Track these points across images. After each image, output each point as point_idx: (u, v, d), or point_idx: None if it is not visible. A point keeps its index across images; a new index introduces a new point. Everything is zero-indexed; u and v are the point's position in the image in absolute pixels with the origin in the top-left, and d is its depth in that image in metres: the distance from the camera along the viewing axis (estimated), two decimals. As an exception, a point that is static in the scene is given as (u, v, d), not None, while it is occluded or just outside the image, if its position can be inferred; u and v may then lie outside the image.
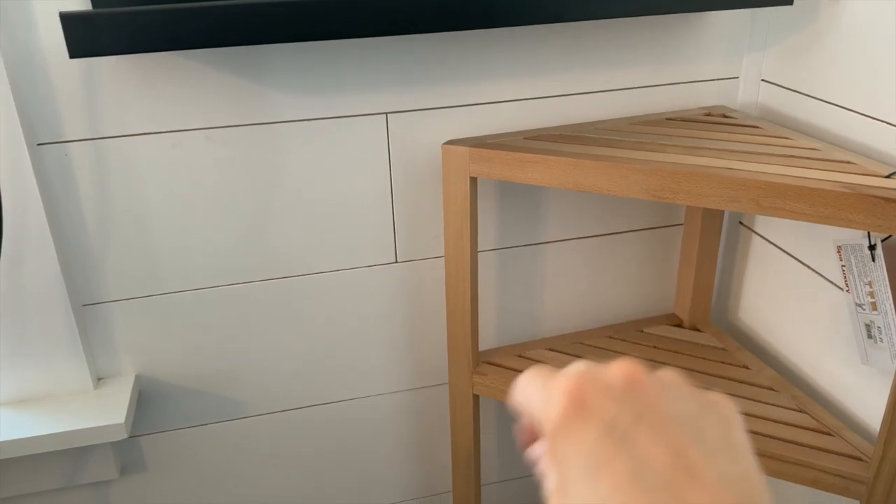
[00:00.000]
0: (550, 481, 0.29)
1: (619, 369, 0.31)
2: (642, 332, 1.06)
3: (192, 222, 0.89)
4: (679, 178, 0.75)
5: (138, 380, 0.96)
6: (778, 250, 0.98)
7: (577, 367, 0.31)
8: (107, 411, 0.89)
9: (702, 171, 0.74)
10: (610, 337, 1.05)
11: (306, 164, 0.90)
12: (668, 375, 0.31)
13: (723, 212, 1.02)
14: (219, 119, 0.85)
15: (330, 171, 0.91)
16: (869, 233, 0.77)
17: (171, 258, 0.91)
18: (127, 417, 0.88)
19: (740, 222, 1.05)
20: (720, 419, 0.30)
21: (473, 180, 0.86)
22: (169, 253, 0.90)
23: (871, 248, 0.76)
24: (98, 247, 0.88)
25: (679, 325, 1.08)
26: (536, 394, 0.31)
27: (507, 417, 1.15)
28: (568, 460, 0.28)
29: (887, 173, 0.72)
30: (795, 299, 0.96)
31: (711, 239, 1.03)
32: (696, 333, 1.05)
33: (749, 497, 0.27)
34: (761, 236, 1.01)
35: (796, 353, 0.97)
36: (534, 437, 0.34)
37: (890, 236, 0.76)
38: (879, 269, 0.75)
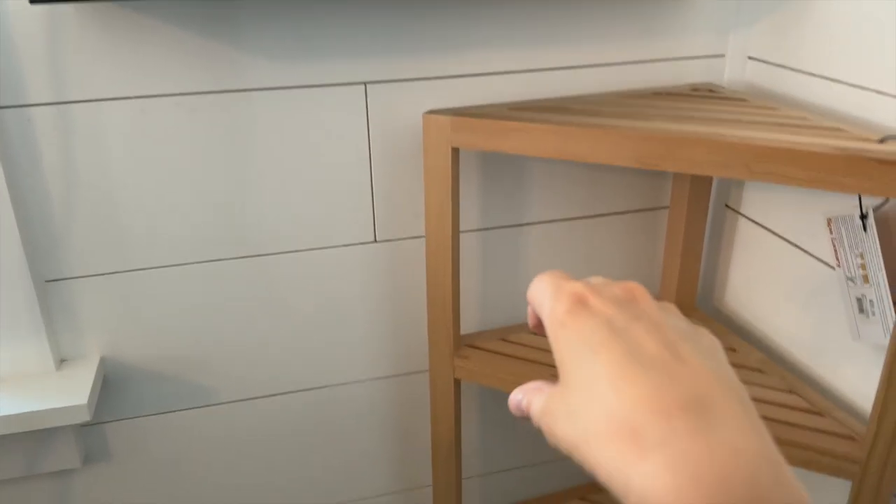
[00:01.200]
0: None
1: (624, 285, 0.34)
2: (627, 316, 1.03)
3: (162, 194, 0.86)
4: (669, 143, 0.72)
5: (103, 362, 0.91)
6: (765, 231, 0.96)
7: (588, 279, 0.35)
8: (69, 392, 0.85)
9: (692, 136, 0.72)
10: (594, 321, 1.02)
11: (281, 135, 0.86)
12: (667, 303, 0.35)
13: (709, 194, 1.00)
14: (190, 85, 0.82)
15: (306, 144, 0.88)
16: (860, 202, 0.75)
17: (139, 232, 0.87)
18: (90, 399, 0.84)
19: (726, 205, 1.03)
20: (709, 340, 0.33)
21: (455, 151, 0.83)
22: (137, 227, 0.86)
23: (863, 217, 0.74)
24: (62, 219, 0.84)
25: (665, 310, 1.05)
26: (548, 290, 0.34)
27: (491, 408, 1.11)
28: (569, 342, 0.32)
29: (879, 138, 0.70)
30: (783, 280, 0.94)
31: (697, 222, 1.01)
32: (682, 318, 1.03)
33: (731, 388, 0.30)
34: (748, 218, 0.99)
35: (784, 336, 0.95)
36: (541, 326, 0.36)
37: (882, 205, 0.74)
38: (871, 240, 0.73)
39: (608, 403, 0.29)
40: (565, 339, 0.32)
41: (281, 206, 0.90)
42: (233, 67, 0.82)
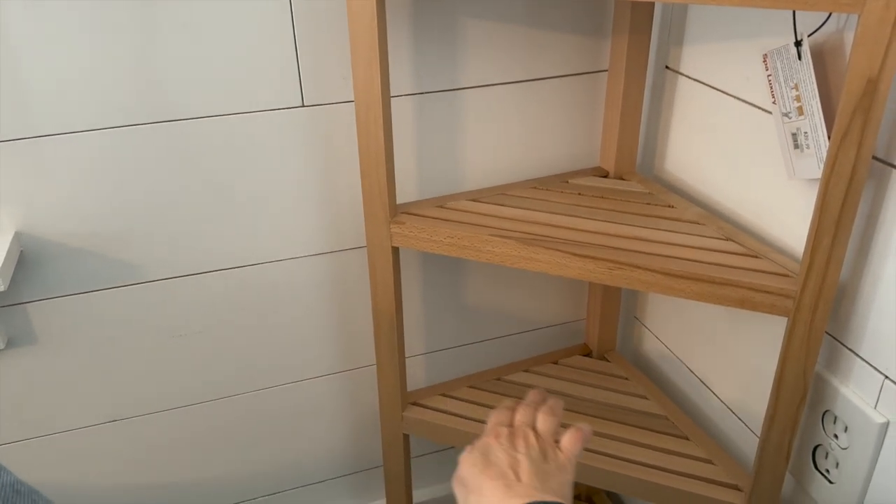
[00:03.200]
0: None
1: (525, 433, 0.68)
2: (567, 182, 1.02)
3: (67, 53, 0.80)
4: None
5: (19, 237, 0.87)
6: (704, 87, 0.94)
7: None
8: (-21, 264, 0.80)
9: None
10: (534, 188, 1.00)
11: (194, -16, 0.81)
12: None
13: (647, 55, 0.98)
14: (88, -77, 0.75)
15: (222, -6, 0.82)
16: (795, 28, 0.73)
17: (44, 95, 0.81)
18: (3, 270, 0.80)
19: (666, 66, 1.01)
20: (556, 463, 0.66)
21: (380, -6, 0.78)
22: (40, 89, 0.81)
23: (797, 44, 0.72)
24: (-43, 76, 0.78)
25: (605, 176, 1.04)
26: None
27: (431, 286, 1.10)
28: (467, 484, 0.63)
29: None
30: (721, 135, 0.92)
31: (636, 85, 0.99)
32: (621, 182, 1.01)
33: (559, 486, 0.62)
34: (687, 76, 0.97)
35: (723, 192, 0.94)
36: None
37: (816, 30, 0.73)
38: (806, 67, 0.72)
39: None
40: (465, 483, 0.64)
41: (197, 66, 0.85)
42: None
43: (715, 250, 0.83)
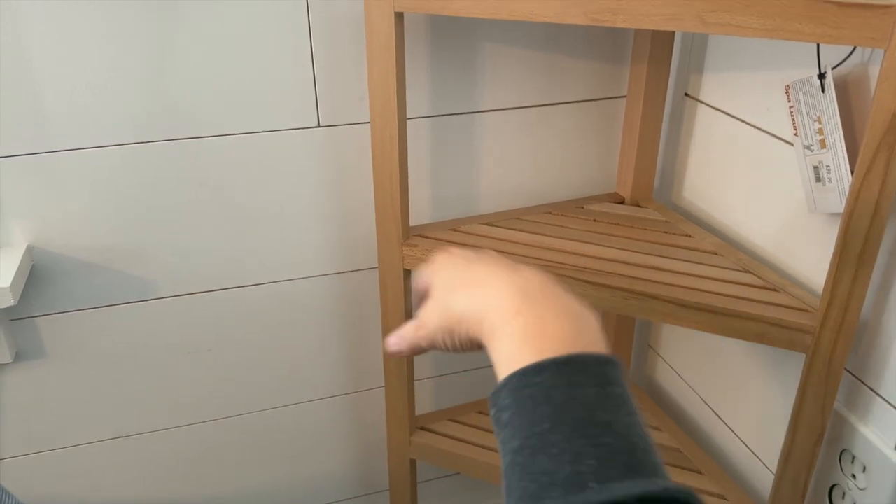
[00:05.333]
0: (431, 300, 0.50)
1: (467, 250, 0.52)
2: (583, 208, 1.01)
3: (84, 68, 0.80)
4: (619, -4, 0.68)
5: (30, 251, 0.86)
6: (724, 116, 0.93)
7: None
8: (-10, 278, 0.80)
9: (644, -12, 0.68)
10: (549, 213, 0.99)
11: (214, 3, 0.81)
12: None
13: (667, 82, 0.97)
14: (110, -59, 0.75)
15: (240, 13, 0.82)
16: (819, 60, 0.72)
17: (61, 110, 0.81)
18: (14, 283, 0.79)
19: (686, 94, 1.00)
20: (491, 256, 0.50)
21: (399, 16, 0.78)
22: (58, 103, 0.81)
23: (821, 77, 0.71)
24: (-25, 90, 0.78)
25: (621, 202, 1.03)
26: (421, 272, 0.53)
27: (443, 307, 1.08)
28: (440, 277, 0.50)
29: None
30: (741, 165, 0.91)
31: (655, 111, 0.98)
32: (637, 209, 1.00)
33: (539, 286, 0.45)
34: (707, 104, 0.96)
35: (741, 222, 0.92)
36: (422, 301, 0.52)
37: (841, 63, 0.71)
38: (829, 100, 0.71)
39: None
40: (437, 279, 0.50)
41: (214, 85, 0.85)
42: (157, -77, 0.76)
43: (733, 282, 0.82)
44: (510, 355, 0.41)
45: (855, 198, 0.66)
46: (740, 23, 0.65)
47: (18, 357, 0.92)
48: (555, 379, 0.38)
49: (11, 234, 0.85)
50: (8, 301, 0.78)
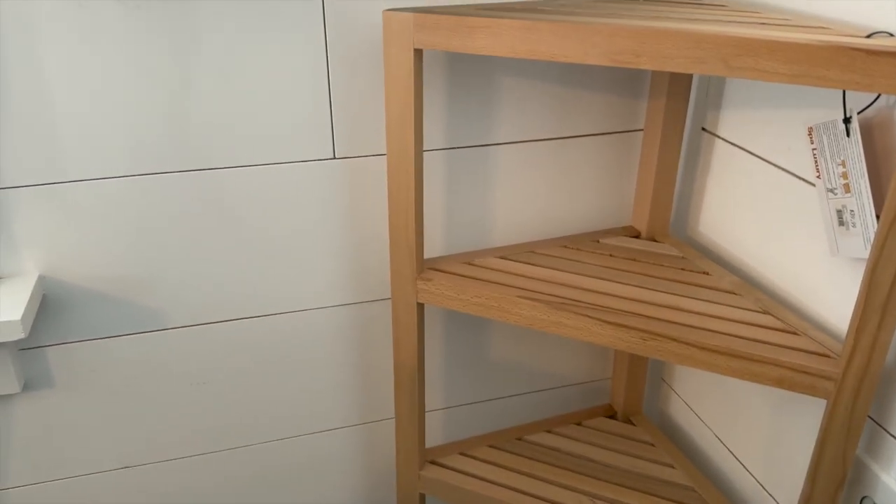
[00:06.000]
0: None
1: None
2: (598, 242, 1.00)
3: (100, 99, 0.79)
4: (642, 38, 0.68)
5: (42, 281, 0.86)
6: (742, 152, 0.92)
7: None
8: (1, 309, 0.79)
9: (667, 29, 0.67)
10: (564, 246, 0.98)
11: (232, 36, 0.80)
12: None
13: (685, 117, 0.96)
14: (130, -26, 0.75)
15: (258, 46, 0.82)
16: (844, 104, 0.71)
17: (76, 140, 0.80)
18: (25, 315, 0.78)
19: (703, 128, 0.99)
20: None
21: (418, 53, 0.78)
22: (73, 134, 0.80)
23: (846, 121, 0.70)
24: (-10, 121, 0.77)
25: (637, 236, 1.02)
26: None
27: (455, 341, 1.07)
28: None
29: (866, 34, 0.66)
30: (759, 202, 0.90)
31: (672, 146, 0.97)
32: (654, 244, 0.99)
33: None
34: (725, 140, 0.95)
35: (760, 260, 0.91)
36: None
37: (867, 108, 0.70)
38: (854, 145, 0.70)
39: None
40: None
41: (230, 116, 0.84)
42: (176, -43, 0.76)
43: (752, 324, 0.80)
44: None
45: (881, 246, 0.65)
46: (765, 67, 0.64)
47: (27, 387, 0.91)
48: None
49: (23, 264, 0.84)
50: (18, 333, 0.77)
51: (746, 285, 0.88)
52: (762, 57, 0.64)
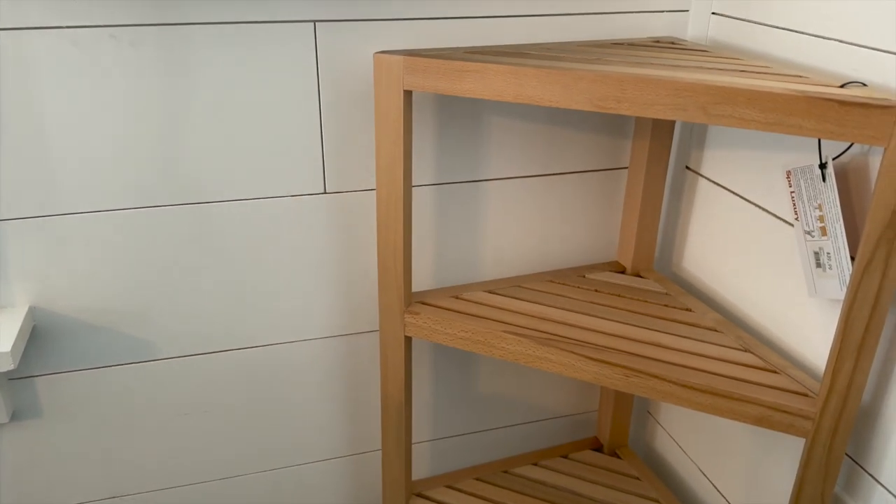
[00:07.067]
0: None
1: None
2: (584, 277, 1.01)
3: (94, 133, 0.81)
4: (624, 85, 0.70)
5: (32, 312, 0.86)
6: (724, 192, 0.94)
7: None
8: (-8, 341, 0.80)
9: (648, 77, 0.70)
10: (550, 281, 1.00)
11: (224, 75, 0.82)
12: None
13: (668, 155, 0.98)
14: (126, 16, 0.77)
15: (251, 84, 0.83)
16: (820, 150, 0.73)
17: (70, 175, 0.82)
18: (15, 347, 0.79)
19: (687, 166, 1.01)
20: None
21: (408, 94, 0.80)
22: (67, 168, 0.81)
23: (822, 167, 0.72)
24: (-14, 155, 0.79)
25: (622, 272, 1.03)
26: None
27: (442, 373, 1.08)
28: None
29: (840, 84, 0.69)
30: (741, 241, 0.92)
31: (656, 184, 0.99)
32: (638, 279, 1.01)
33: None
34: (708, 179, 0.97)
35: (741, 297, 0.93)
36: None
37: (841, 154, 0.73)
38: (830, 190, 0.72)
39: None
40: None
41: (222, 152, 0.86)
42: (173, -2, 0.78)
43: (733, 362, 0.82)
44: None
45: (855, 289, 0.66)
46: (743, 115, 0.66)
47: (15, 416, 0.91)
48: None
49: (14, 296, 0.85)
50: (8, 365, 0.78)
51: (728, 323, 0.89)
52: (740, 105, 0.66)
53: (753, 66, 0.77)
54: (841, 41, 0.75)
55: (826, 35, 0.76)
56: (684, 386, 0.78)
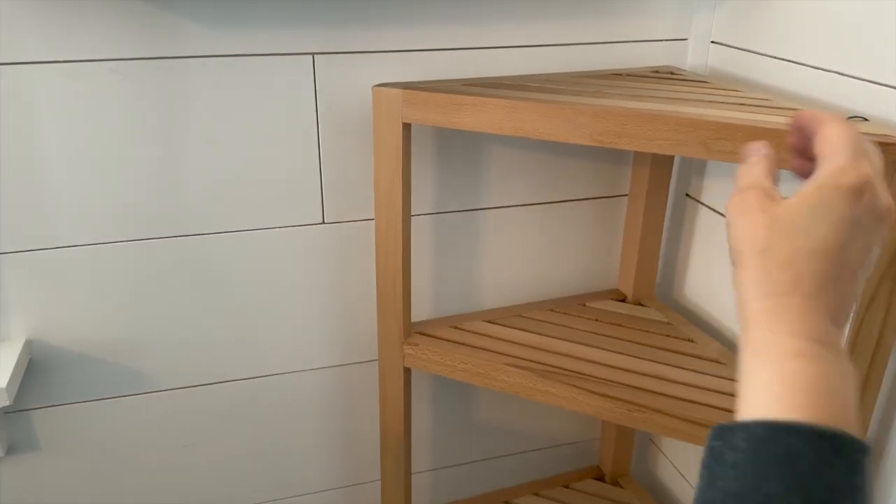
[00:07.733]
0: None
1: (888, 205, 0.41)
2: (585, 306, 1.00)
3: (92, 167, 0.80)
4: (624, 120, 0.69)
5: (29, 345, 0.86)
6: (724, 219, 0.93)
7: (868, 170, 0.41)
8: (-13, 376, 0.79)
9: (648, 113, 0.69)
10: (551, 310, 0.99)
11: (223, 108, 0.82)
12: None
13: (668, 183, 0.98)
14: (125, 50, 0.77)
15: (249, 117, 0.83)
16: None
17: (68, 207, 0.81)
18: (10, 382, 0.78)
19: (687, 194, 1.01)
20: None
21: (407, 127, 0.79)
22: (64, 201, 0.81)
23: (824, 201, 0.71)
24: (-17, 189, 0.78)
25: (623, 300, 1.03)
26: (850, 147, 0.42)
27: (441, 403, 1.08)
28: (826, 203, 0.40)
29: (845, 118, 0.68)
30: (743, 270, 0.91)
31: (657, 211, 0.99)
32: (640, 308, 1.00)
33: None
34: (708, 207, 0.97)
35: (743, 327, 0.92)
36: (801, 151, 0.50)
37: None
38: (832, 224, 0.71)
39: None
40: (826, 200, 0.40)
41: (221, 184, 0.85)
42: (172, 32, 0.77)
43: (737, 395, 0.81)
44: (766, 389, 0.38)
45: (858, 327, 0.66)
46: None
47: (11, 450, 0.90)
48: (807, 447, 0.35)
49: (10, 329, 0.85)
50: (4, 401, 0.77)
51: (731, 354, 0.89)
52: (741, 141, 0.66)
53: (753, 98, 0.77)
54: (840, 73, 0.74)
55: (826, 67, 0.76)
56: (688, 421, 0.77)
